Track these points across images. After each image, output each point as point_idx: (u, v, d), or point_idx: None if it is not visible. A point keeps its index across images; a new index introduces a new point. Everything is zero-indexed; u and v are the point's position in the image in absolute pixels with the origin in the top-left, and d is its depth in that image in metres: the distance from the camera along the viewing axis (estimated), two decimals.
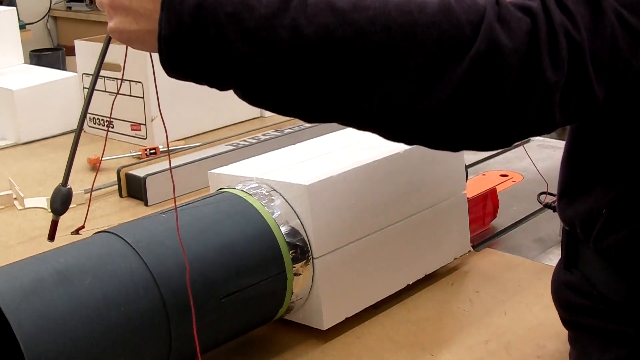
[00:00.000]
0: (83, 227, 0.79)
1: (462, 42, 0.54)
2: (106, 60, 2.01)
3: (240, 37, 0.56)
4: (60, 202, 0.74)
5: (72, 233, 0.79)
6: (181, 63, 0.58)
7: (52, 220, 0.74)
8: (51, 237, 0.75)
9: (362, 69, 0.55)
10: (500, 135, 0.57)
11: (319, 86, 0.56)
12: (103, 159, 1.63)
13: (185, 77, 0.60)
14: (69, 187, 0.75)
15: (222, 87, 0.60)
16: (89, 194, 1.44)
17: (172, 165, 1.47)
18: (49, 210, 1.39)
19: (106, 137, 0.93)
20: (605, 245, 0.73)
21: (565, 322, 0.84)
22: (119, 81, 1.76)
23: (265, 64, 0.56)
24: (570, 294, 0.81)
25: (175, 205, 0.82)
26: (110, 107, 1.81)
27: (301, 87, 0.57)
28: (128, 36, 0.62)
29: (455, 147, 0.60)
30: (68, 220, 1.37)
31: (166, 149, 1.63)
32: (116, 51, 1.83)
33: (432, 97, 0.55)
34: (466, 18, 0.54)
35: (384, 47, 0.54)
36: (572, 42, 0.55)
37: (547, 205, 1.21)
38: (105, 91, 1.81)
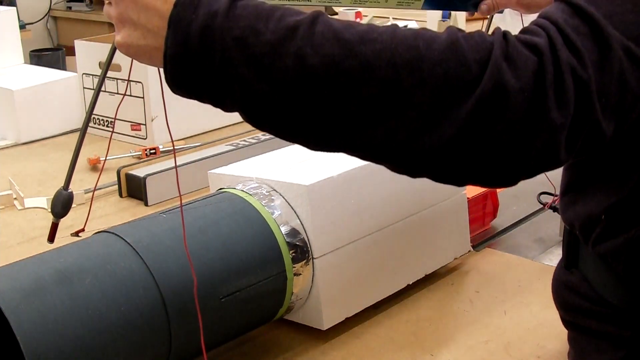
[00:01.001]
0: (83, 229, 0.79)
1: (468, 81, 0.53)
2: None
3: (245, 62, 0.55)
4: (62, 205, 0.74)
5: (72, 234, 0.79)
6: (186, 82, 0.58)
7: (53, 222, 0.74)
8: (51, 239, 0.75)
9: (365, 102, 0.54)
10: (505, 175, 0.57)
11: (322, 116, 0.56)
12: (102, 159, 1.63)
13: (189, 96, 0.60)
14: (70, 190, 0.75)
15: (226, 109, 0.60)
16: (89, 194, 1.44)
17: (172, 166, 1.47)
18: (49, 210, 1.39)
19: (110, 138, 0.93)
20: (603, 249, 0.73)
21: (565, 321, 0.84)
22: (119, 81, 1.76)
23: (270, 90, 0.55)
24: (569, 294, 0.81)
25: (182, 213, 0.81)
26: (109, 107, 1.82)
27: (304, 115, 0.56)
28: (135, 51, 0.62)
29: (459, 183, 0.59)
30: (68, 220, 1.36)
31: (166, 149, 1.63)
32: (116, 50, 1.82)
33: (435, 135, 0.54)
34: (473, 57, 0.53)
35: (389, 82, 0.54)
36: (578, 82, 0.54)
37: (550, 207, 1.22)
38: (105, 91, 1.80)
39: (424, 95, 0.53)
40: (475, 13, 1.03)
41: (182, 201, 0.83)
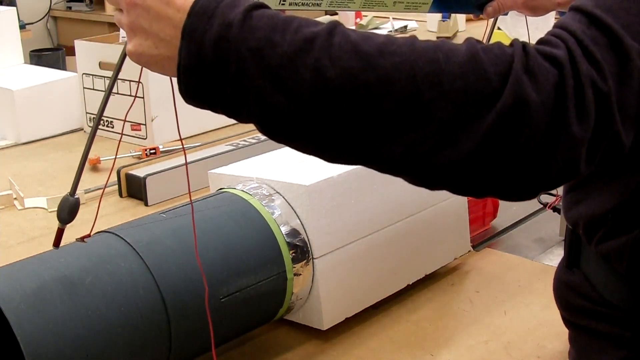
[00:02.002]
0: (89, 235, 0.79)
1: (488, 95, 0.53)
2: (106, 60, 2.00)
3: (261, 74, 0.54)
4: (68, 211, 0.73)
5: (78, 240, 0.79)
6: (200, 93, 0.58)
7: (58, 228, 0.74)
8: (56, 244, 0.75)
9: (384, 116, 0.53)
10: (525, 188, 0.56)
11: (340, 129, 0.55)
12: (102, 159, 1.63)
13: (203, 106, 0.59)
14: (76, 197, 0.74)
15: (241, 120, 0.59)
16: (89, 194, 1.44)
17: (172, 166, 1.48)
18: (49, 210, 1.40)
19: (120, 140, 0.92)
20: (606, 249, 0.73)
21: (566, 321, 0.84)
22: (119, 81, 1.76)
23: (286, 103, 0.55)
24: (570, 294, 0.81)
25: (193, 214, 0.80)
26: (109, 107, 1.81)
27: (321, 128, 0.55)
28: (147, 60, 0.61)
29: (479, 195, 0.59)
30: None
31: (166, 149, 1.63)
32: (116, 51, 1.82)
33: (455, 149, 0.53)
34: (494, 69, 0.53)
35: (408, 96, 0.53)
36: (599, 94, 0.54)
37: (552, 208, 1.22)
38: (105, 91, 1.80)
39: (444, 108, 0.53)
40: (480, 15, 1.03)
41: (182, 201, 0.83)
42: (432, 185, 0.58)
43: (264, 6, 0.57)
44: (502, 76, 0.53)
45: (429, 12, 0.97)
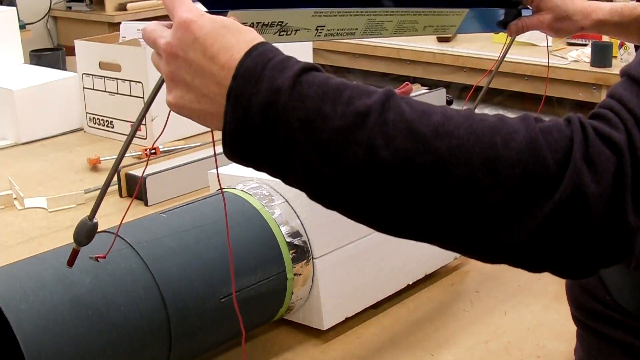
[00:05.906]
0: (104, 257, 0.79)
1: (546, 184, 0.51)
2: (106, 60, 2.00)
3: (311, 147, 0.53)
4: (85, 235, 0.73)
5: (90, 258, 0.79)
6: (246, 156, 0.57)
7: (74, 249, 0.74)
8: (70, 264, 0.75)
9: (438, 199, 0.52)
10: (580, 270, 0.56)
11: (391, 207, 0.54)
12: (102, 159, 1.63)
13: (248, 165, 0.58)
14: (95, 221, 0.74)
15: (287, 183, 0.58)
16: (89, 194, 1.44)
17: (172, 166, 1.47)
18: (49, 210, 1.40)
19: (157, 140, 0.90)
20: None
21: (575, 319, 0.83)
22: (119, 81, 1.76)
23: (336, 177, 0.54)
24: (582, 295, 0.80)
25: (226, 219, 0.79)
26: (109, 107, 1.82)
27: (371, 204, 0.54)
28: (189, 113, 0.60)
29: (534, 272, 0.58)
30: (68, 220, 1.37)
31: (166, 149, 1.63)
32: (116, 51, 1.82)
33: (510, 235, 0.52)
34: (552, 157, 0.51)
35: (464, 181, 0.51)
36: None
37: None
38: (105, 91, 1.80)
39: (500, 196, 0.52)
40: (503, 32, 1.03)
41: (182, 201, 0.83)
42: (484, 261, 0.58)
43: (313, 68, 0.56)
44: (561, 164, 0.52)
45: (455, 34, 0.99)
